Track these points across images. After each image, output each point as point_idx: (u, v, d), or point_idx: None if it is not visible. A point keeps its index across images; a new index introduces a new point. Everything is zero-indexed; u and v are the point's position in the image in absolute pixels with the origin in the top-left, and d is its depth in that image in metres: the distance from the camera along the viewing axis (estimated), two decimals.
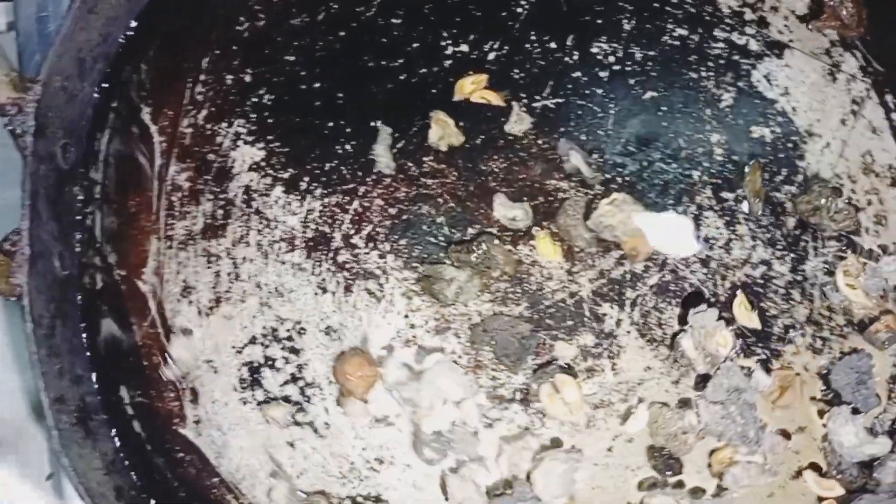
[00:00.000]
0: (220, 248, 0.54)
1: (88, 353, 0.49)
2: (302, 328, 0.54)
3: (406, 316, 0.55)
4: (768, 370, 0.54)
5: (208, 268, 0.54)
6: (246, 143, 0.55)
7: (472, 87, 0.55)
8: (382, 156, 0.55)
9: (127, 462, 0.49)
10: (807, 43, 0.58)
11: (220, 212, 0.54)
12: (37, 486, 0.72)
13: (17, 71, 0.45)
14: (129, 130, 0.53)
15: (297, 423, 0.53)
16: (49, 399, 0.43)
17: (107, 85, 0.52)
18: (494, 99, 0.55)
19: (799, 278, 0.56)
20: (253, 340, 0.54)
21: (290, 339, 0.54)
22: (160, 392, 0.52)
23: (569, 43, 0.56)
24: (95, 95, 0.51)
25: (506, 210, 0.54)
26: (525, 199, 0.55)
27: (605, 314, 0.55)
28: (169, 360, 0.52)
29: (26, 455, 0.72)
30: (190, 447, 0.52)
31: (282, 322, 0.54)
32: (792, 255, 0.56)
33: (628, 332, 0.55)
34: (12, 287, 0.43)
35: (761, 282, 0.56)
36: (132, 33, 0.53)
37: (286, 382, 0.54)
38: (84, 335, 0.49)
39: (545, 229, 0.55)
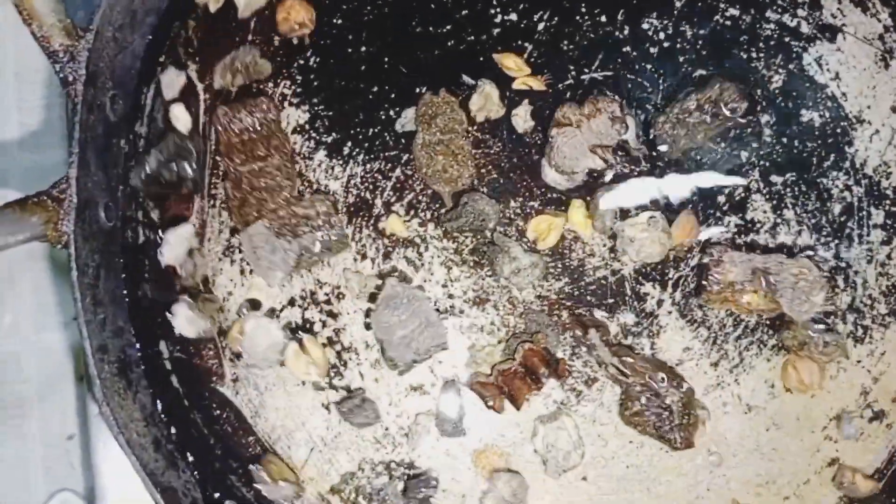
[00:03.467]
0: None
1: (129, 306, 0.49)
2: (340, 293, 0.54)
3: (445, 285, 0.54)
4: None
5: None
6: (291, 104, 0.54)
7: (514, 67, 0.54)
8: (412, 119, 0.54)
9: (165, 416, 0.48)
10: (860, 27, 0.57)
11: None
12: (57, 445, 0.72)
13: (70, 19, 0.45)
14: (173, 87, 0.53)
15: (332, 387, 0.53)
16: (92, 347, 0.42)
17: (156, 39, 0.51)
18: (536, 84, 0.55)
19: (843, 265, 0.55)
20: (292, 302, 0.54)
21: (328, 302, 0.54)
22: (199, 349, 0.52)
23: (620, 17, 0.56)
24: (145, 49, 0.50)
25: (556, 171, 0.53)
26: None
27: (646, 293, 0.54)
28: None
29: (49, 415, 0.72)
30: (227, 405, 0.52)
31: (321, 286, 0.54)
32: (836, 241, 0.55)
33: (669, 312, 0.54)
34: (60, 234, 0.43)
35: None
36: None
37: (323, 345, 0.53)
38: (126, 288, 0.49)
39: (583, 199, 0.54)
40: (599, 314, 0.54)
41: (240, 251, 0.53)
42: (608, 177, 0.54)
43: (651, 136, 0.54)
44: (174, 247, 0.51)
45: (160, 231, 0.52)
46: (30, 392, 0.75)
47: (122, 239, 0.49)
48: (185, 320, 0.51)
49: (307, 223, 0.51)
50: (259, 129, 0.52)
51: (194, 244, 0.52)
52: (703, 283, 0.52)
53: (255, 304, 0.53)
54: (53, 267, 0.74)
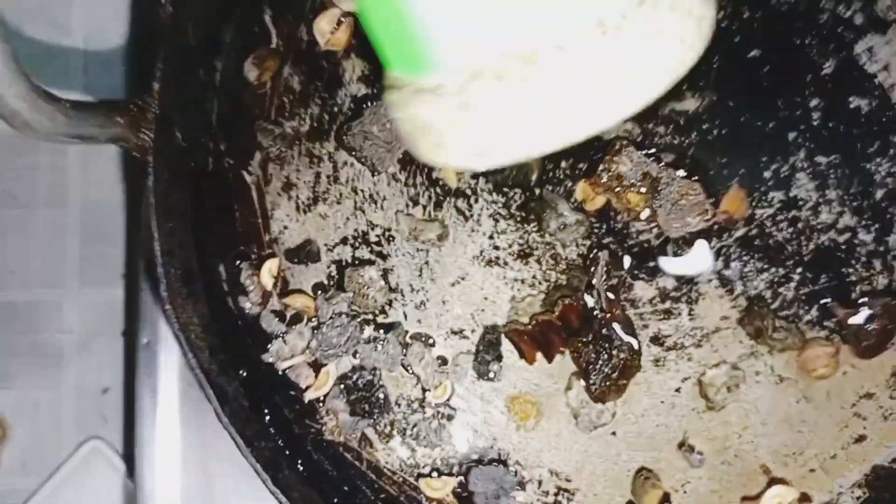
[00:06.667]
0: (322, 151, 0.56)
1: (193, 227, 0.51)
2: (391, 235, 0.56)
3: (491, 237, 0.56)
4: None
5: (310, 168, 0.56)
6: (357, 55, 0.57)
7: None
8: None
9: (220, 331, 0.50)
10: None
11: (327, 117, 0.57)
12: (91, 397, 0.75)
13: None
14: (251, 28, 0.56)
15: (377, 325, 0.55)
16: (161, 249, 0.45)
17: None
18: None
19: (882, 248, 0.56)
20: (344, 241, 0.56)
21: (378, 244, 0.56)
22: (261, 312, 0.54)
23: None
24: None
25: None
26: None
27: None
28: None
29: (85, 367, 0.75)
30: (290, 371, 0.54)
31: (373, 227, 0.56)
32: (877, 225, 0.56)
33: (709, 280, 0.56)
34: (140, 141, 0.46)
35: (844, 247, 0.56)
36: None
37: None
38: (191, 208, 0.51)
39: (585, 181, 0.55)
40: (640, 277, 0.56)
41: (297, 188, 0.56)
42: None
43: None
44: None
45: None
46: (69, 343, 0.77)
47: (193, 162, 0.52)
48: None
49: None
50: None
51: None
52: (597, 167, 0.54)
53: None
54: (100, 223, 0.77)
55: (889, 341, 0.54)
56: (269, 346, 0.52)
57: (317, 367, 0.54)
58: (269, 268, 0.53)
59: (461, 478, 0.54)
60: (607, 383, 0.53)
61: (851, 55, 0.58)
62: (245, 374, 0.50)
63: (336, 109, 0.56)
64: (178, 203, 0.49)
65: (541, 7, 0.33)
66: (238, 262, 0.52)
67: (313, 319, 0.54)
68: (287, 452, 0.51)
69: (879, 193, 0.57)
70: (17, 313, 0.77)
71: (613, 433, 0.55)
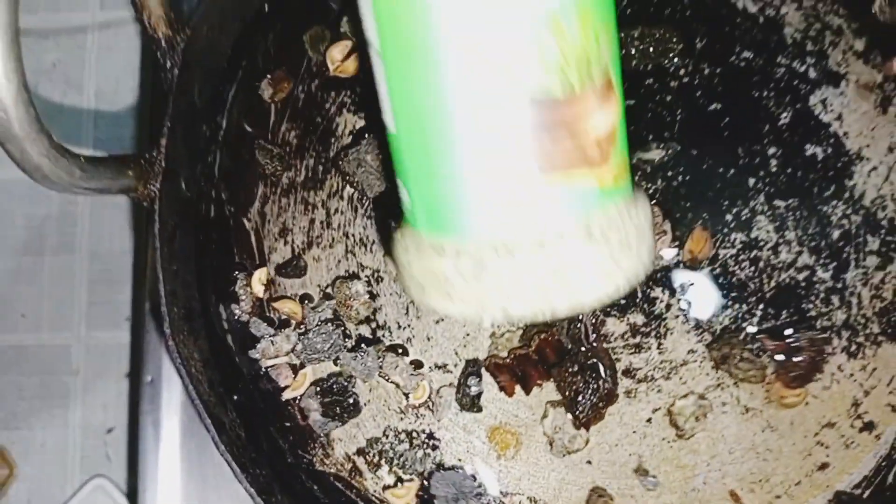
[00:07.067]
0: (316, 199, 0.61)
1: (196, 270, 0.55)
2: (380, 276, 0.60)
3: None
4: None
5: (305, 214, 0.61)
6: (349, 111, 0.62)
7: None
8: None
9: (218, 365, 0.54)
10: (862, 76, 0.63)
11: (321, 168, 0.61)
12: (96, 437, 0.77)
13: (172, 13, 0.53)
14: (253, 89, 0.61)
15: (360, 338, 0.59)
16: (165, 289, 0.49)
17: (239, 44, 0.59)
18: None
19: (839, 286, 0.60)
20: (334, 283, 0.60)
21: (368, 284, 0.60)
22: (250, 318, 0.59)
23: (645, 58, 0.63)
24: (230, 51, 0.58)
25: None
26: None
27: (656, 297, 0.60)
28: None
29: (91, 407, 0.78)
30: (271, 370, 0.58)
31: (363, 269, 0.60)
32: (834, 263, 0.60)
33: (676, 316, 0.59)
34: (148, 192, 0.50)
35: (804, 284, 0.60)
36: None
37: (361, 322, 0.59)
38: (194, 251, 0.56)
39: None
40: (612, 314, 0.59)
41: (292, 233, 0.60)
42: None
43: None
44: None
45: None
46: (76, 384, 0.81)
47: (196, 210, 0.56)
48: None
49: None
50: None
51: None
52: None
53: None
54: (107, 269, 0.81)
55: (816, 373, 0.58)
56: (256, 345, 0.57)
57: (297, 369, 0.59)
58: (259, 276, 0.58)
59: (423, 482, 0.58)
60: (592, 412, 0.57)
61: (807, 106, 0.62)
62: (238, 399, 0.54)
63: (332, 152, 0.61)
64: (182, 247, 0.53)
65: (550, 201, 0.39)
66: (235, 272, 0.58)
67: (301, 326, 0.59)
68: (281, 480, 0.54)
69: (836, 234, 0.61)
70: (26, 356, 0.80)
71: (589, 462, 0.58)
